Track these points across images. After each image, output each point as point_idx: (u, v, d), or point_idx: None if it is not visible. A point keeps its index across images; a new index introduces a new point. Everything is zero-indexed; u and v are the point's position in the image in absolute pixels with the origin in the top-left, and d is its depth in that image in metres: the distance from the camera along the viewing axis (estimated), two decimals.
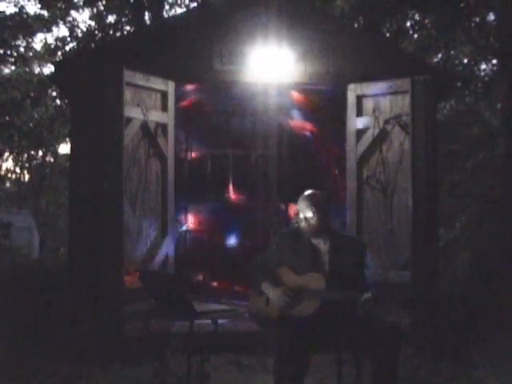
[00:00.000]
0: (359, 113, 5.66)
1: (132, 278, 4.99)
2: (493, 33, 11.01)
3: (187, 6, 14.68)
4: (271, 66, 5.51)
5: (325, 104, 6.69)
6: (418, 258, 5.12)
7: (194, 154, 7.55)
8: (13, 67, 16.51)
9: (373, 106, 5.61)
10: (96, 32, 14.74)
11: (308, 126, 7.59)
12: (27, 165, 22.25)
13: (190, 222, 7.38)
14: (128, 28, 14.43)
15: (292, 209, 7.11)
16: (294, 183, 6.51)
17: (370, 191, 5.62)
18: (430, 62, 11.92)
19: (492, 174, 10.56)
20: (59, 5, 14.70)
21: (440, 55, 13.82)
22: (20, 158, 21.93)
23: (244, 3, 5.64)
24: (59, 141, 19.72)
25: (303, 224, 3.36)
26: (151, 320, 3.94)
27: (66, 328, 4.98)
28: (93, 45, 13.76)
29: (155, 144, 5.49)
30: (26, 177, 22.82)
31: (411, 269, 5.15)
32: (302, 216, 3.35)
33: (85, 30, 15.15)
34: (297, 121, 7.52)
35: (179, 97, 6.00)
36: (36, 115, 17.10)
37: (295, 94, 6.82)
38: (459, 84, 11.37)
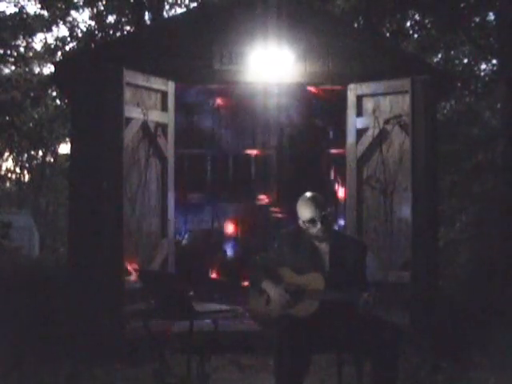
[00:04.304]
0: (359, 113, 5.65)
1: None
2: (493, 33, 11.02)
3: (187, 6, 14.70)
4: (271, 66, 5.51)
5: None
6: (418, 258, 5.12)
7: None
8: (13, 67, 16.54)
9: (373, 105, 5.61)
10: (96, 32, 14.75)
11: None
12: (27, 165, 22.30)
13: None
14: (128, 28, 14.45)
15: None
16: None
17: (369, 191, 5.62)
18: (430, 61, 11.92)
19: (492, 174, 10.57)
20: (59, 5, 14.71)
21: (440, 55, 13.85)
22: (20, 158, 21.98)
23: (244, 3, 5.64)
24: (59, 141, 19.76)
25: (302, 224, 3.35)
26: (151, 320, 3.94)
27: (66, 328, 4.98)
28: (93, 45, 13.77)
29: (155, 144, 5.49)
30: (26, 177, 22.87)
31: (411, 269, 5.15)
32: (301, 218, 3.35)
33: (85, 30, 15.16)
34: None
35: None
36: (36, 115, 17.13)
37: None
38: (459, 84, 11.37)
